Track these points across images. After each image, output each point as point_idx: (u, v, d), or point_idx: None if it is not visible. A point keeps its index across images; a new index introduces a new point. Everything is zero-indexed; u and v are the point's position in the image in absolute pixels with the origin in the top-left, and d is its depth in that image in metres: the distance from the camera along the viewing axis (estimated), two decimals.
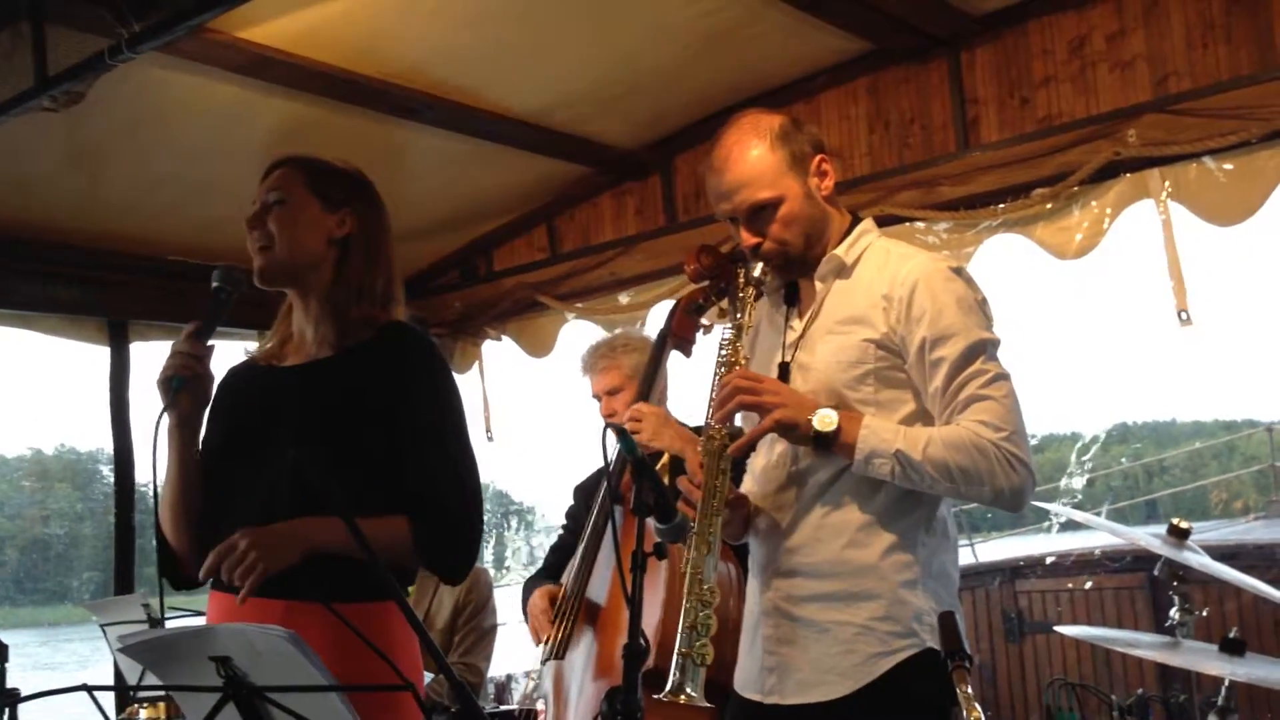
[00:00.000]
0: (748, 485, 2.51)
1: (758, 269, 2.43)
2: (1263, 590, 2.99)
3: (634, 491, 2.13)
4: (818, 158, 2.41)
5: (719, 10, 3.93)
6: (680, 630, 2.22)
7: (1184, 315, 3.87)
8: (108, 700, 3.67)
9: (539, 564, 3.86)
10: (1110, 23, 3.98)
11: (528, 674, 3.68)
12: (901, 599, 2.27)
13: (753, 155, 2.37)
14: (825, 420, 2.25)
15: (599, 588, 3.28)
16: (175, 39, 3.10)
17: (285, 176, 2.41)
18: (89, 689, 1.72)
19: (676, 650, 2.20)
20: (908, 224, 4.29)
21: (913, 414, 2.32)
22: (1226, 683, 3.08)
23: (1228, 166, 3.76)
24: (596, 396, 3.64)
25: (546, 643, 3.32)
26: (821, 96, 4.60)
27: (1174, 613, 3.12)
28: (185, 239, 4.88)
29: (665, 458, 3.42)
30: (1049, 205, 4.06)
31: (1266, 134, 3.63)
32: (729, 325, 2.50)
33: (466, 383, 5.76)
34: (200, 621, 2.78)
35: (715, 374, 2.46)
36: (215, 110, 3.99)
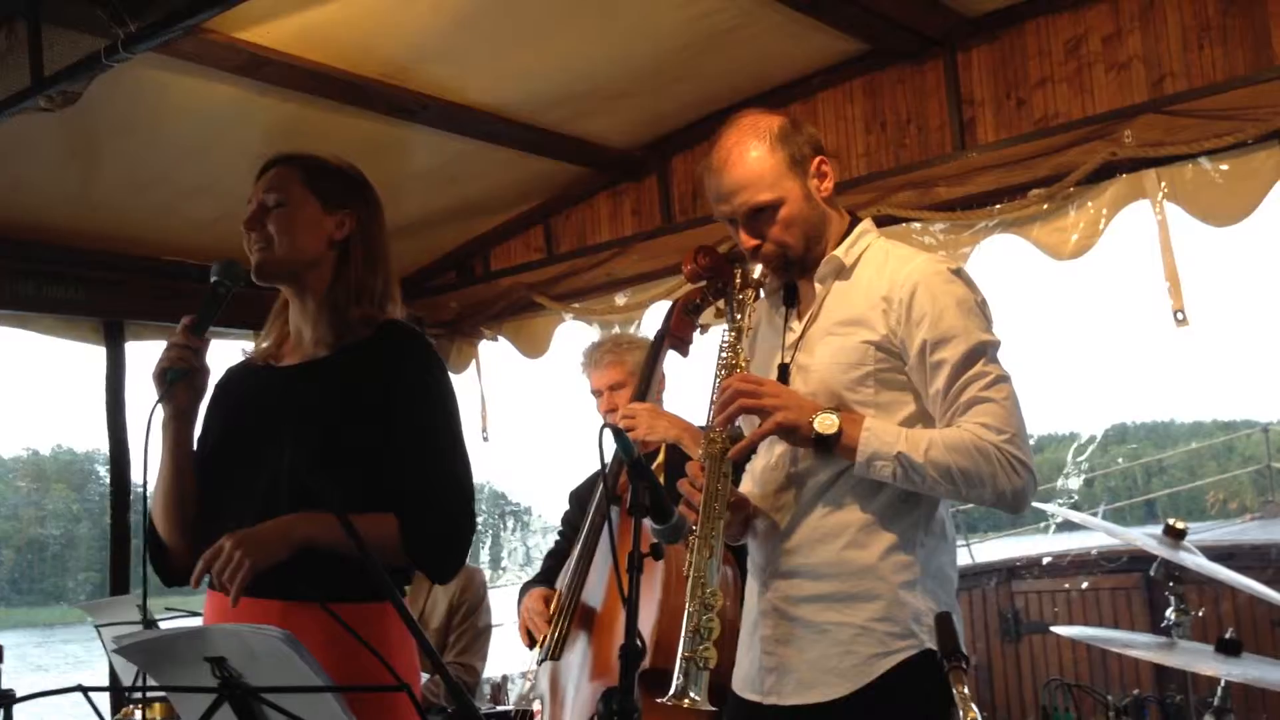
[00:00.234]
0: (746, 486, 2.51)
1: (757, 271, 2.42)
2: (1258, 591, 3.00)
3: (630, 492, 2.13)
4: (817, 159, 2.41)
5: (716, 11, 3.93)
6: (683, 633, 2.22)
7: (1180, 316, 3.87)
8: (103, 701, 3.67)
9: (535, 564, 3.86)
10: (1106, 24, 3.99)
11: (524, 674, 3.68)
12: (900, 600, 2.28)
13: (752, 157, 2.36)
14: (826, 422, 2.25)
15: (595, 588, 3.28)
16: (171, 39, 3.10)
17: (283, 176, 2.40)
18: (84, 690, 1.72)
19: (680, 653, 2.20)
20: (904, 224, 4.29)
21: (912, 416, 2.32)
22: (1222, 683, 3.09)
23: (1224, 167, 3.76)
24: (597, 392, 3.64)
25: (542, 643, 3.32)
26: (818, 97, 4.60)
27: (1170, 613, 3.12)
28: (181, 239, 4.88)
29: (661, 457, 3.42)
30: (1045, 206, 4.06)
31: (1262, 135, 3.63)
32: (729, 327, 2.50)
33: (463, 383, 5.76)
34: (196, 622, 2.78)
35: (716, 376, 2.46)
36: (211, 110, 3.99)
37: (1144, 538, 3.17)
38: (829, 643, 2.29)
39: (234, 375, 2.48)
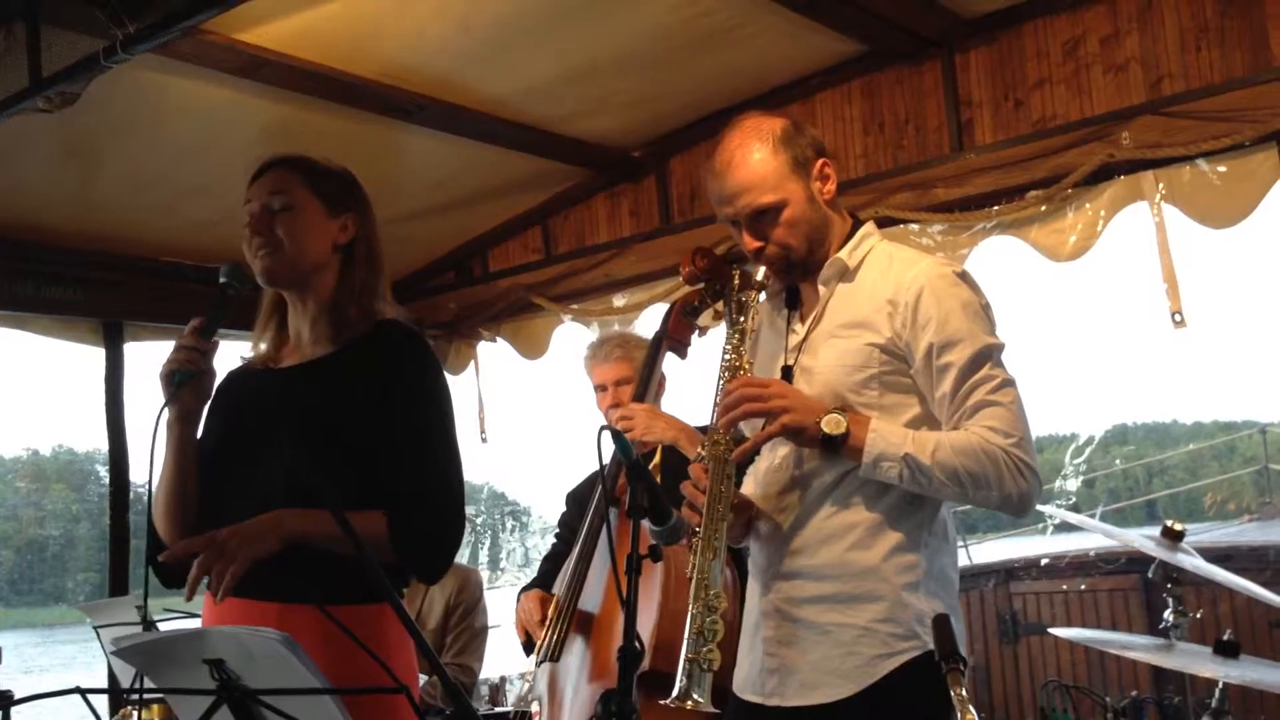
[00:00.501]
0: (749, 487, 2.51)
1: (760, 273, 2.42)
2: (1256, 593, 3.00)
3: (629, 494, 2.13)
4: (820, 161, 2.41)
5: (714, 11, 3.94)
6: (686, 635, 2.21)
7: (1178, 317, 3.87)
8: (102, 703, 3.67)
9: (533, 565, 3.86)
10: (1104, 25, 3.99)
11: (522, 676, 3.68)
12: (903, 601, 2.28)
13: (755, 159, 2.36)
14: (834, 423, 2.25)
15: (594, 590, 3.28)
16: (169, 40, 3.10)
17: (285, 180, 2.40)
18: (83, 692, 1.72)
19: (683, 655, 2.20)
20: (902, 226, 4.29)
21: (917, 418, 2.33)
22: (1220, 685, 3.09)
23: (1221, 169, 3.76)
24: (601, 387, 3.63)
25: (541, 645, 3.32)
26: (817, 98, 4.60)
27: (1168, 615, 3.12)
28: (180, 240, 4.88)
29: (657, 458, 3.42)
30: (1043, 207, 4.06)
31: (1260, 136, 3.63)
32: (732, 329, 2.50)
33: (461, 384, 5.76)
34: (194, 624, 2.78)
35: (719, 378, 2.46)
36: (210, 111, 3.99)
37: (1142, 539, 3.17)
38: (832, 644, 2.30)
39: (234, 379, 2.48)
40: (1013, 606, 5.45)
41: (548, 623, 3.33)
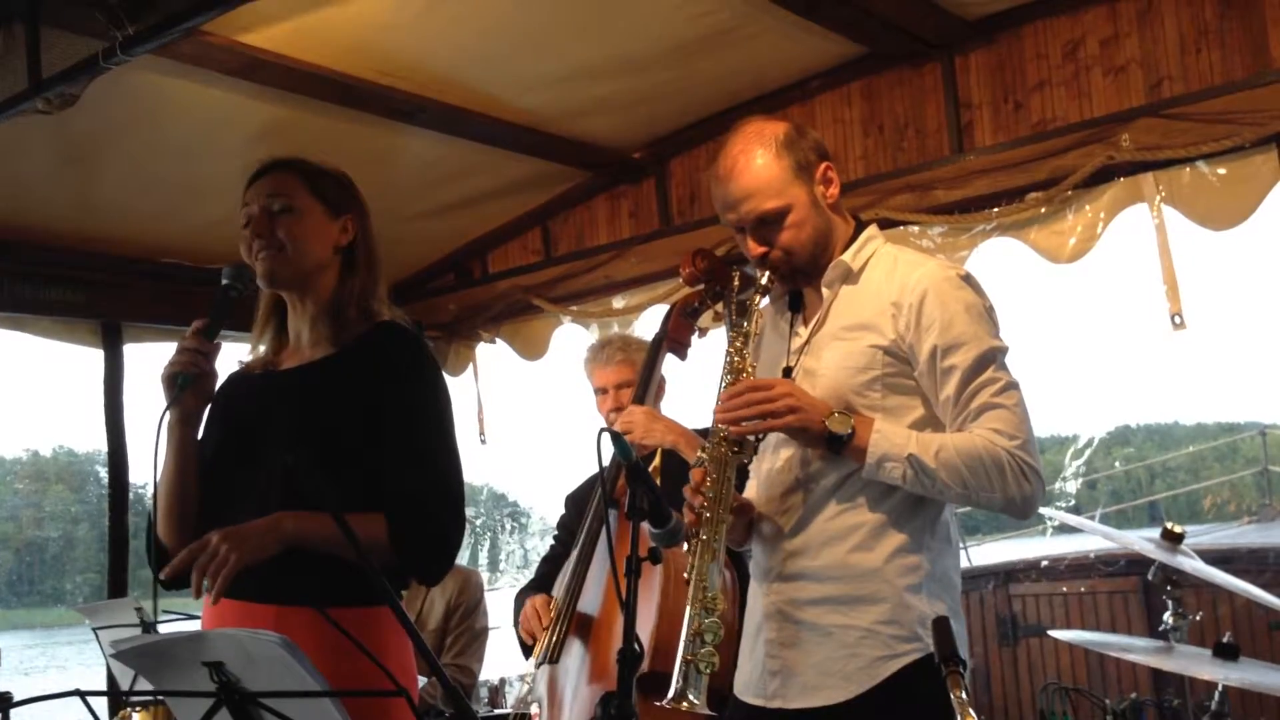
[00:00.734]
0: (751, 490, 2.51)
1: (764, 278, 2.42)
2: (1256, 595, 3.00)
3: (629, 496, 2.13)
4: (823, 165, 2.41)
5: (713, 12, 3.93)
6: (684, 637, 2.21)
7: (1177, 319, 3.87)
8: (101, 705, 3.66)
9: (533, 566, 3.85)
10: (1104, 27, 3.99)
11: (522, 678, 3.68)
12: (906, 603, 2.28)
13: (758, 164, 2.36)
14: (840, 422, 2.25)
15: (593, 592, 3.28)
16: (169, 41, 3.10)
17: (286, 182, 2.40)
18: (82, 694, 1.72)
19: (680, 656, 2.20)
20: (902, 228, 4.29)
21: (920, 420, 2.33)
22: (1220, 687, 3.09)
23: (1221, 171, 3.76)
24: (602, 390, 3.62)
25: (540, 647, 3.32)
26: (816, 100, 4.60)
27: (1168, 617, 3.12)
28: (179, 241, 4.88)
29: (657, 460, 3.42)
30: (1043, 209, 4.06)
31: (1260, 138, 3.63)
32: (735, 332, 2.50)
33: (461, 385, 5.76)
34: (194, 626, 2.78)
35: (721, 381, 2.46)
36: (209, 112, 3.99)
37: (1141, 541, 3.17)
38: (834, 645, 2.30)
39: (233, 381, 2.48)
40: (1012, 608, 5.45)
41: (547, 624, 3.33)
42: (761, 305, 2.54)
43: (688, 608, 2.23)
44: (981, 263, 4.24)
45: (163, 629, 3.01)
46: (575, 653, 3.25)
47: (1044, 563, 5.47)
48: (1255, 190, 3.72)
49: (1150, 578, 3.22)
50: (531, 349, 5.64)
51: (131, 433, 4.86)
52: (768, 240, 2.38)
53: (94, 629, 3.57)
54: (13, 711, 2.55)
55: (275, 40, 3.64)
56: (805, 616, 2.33)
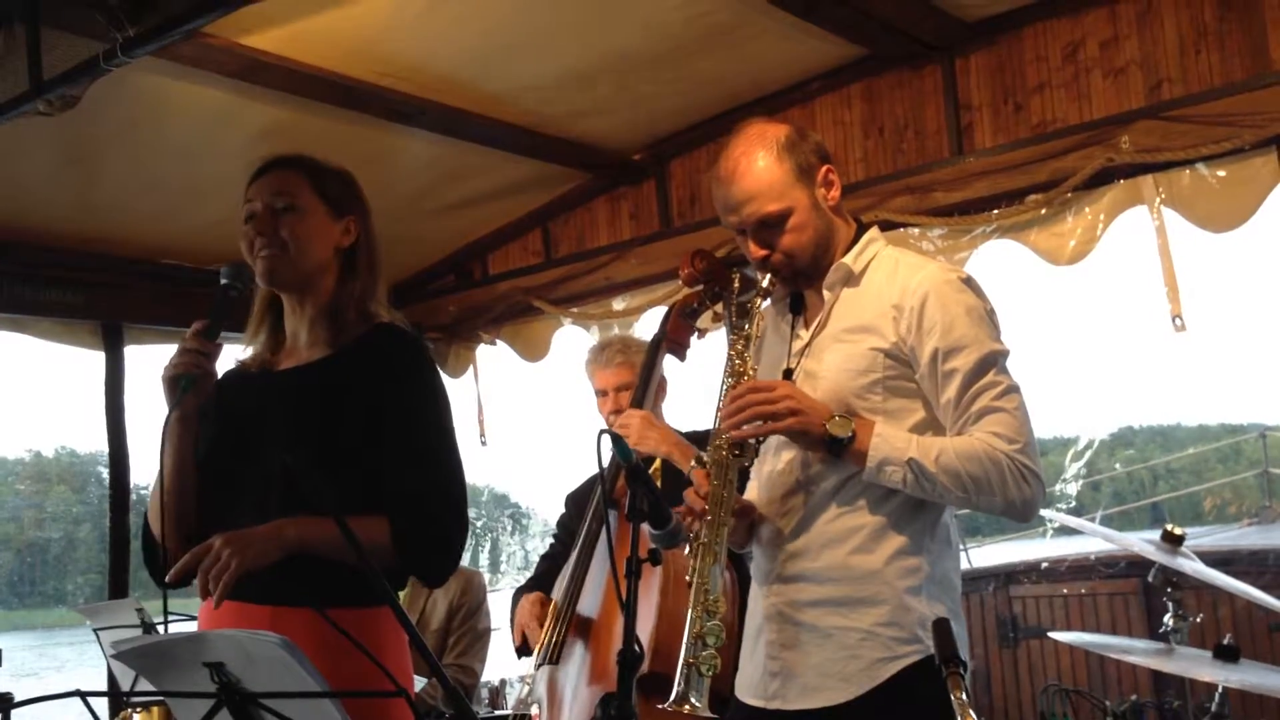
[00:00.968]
0: (752, 491, 2.51)
1: (765, 280, 2.42)
2: (1256, 596, 3.00)
3: (629, 497, 2.14)
4: (824, 168, 2.41)
5: (713, 13, 3.94)
6: (685, 640, 2.22)
7: (1178, 321, 3.88)
8: (101, 706, 3.67)
9: (533, 567, 3.86)
10: (1104, 29, 3.99)
11: (522, 679, 3.68)
12: (906, 605, 2.28)
13: (760, 167, 2.36)
14: (840, 425, 2.26)
15: (593, 593, 3.28)
16: (170, 43, 3.10)
17: (289, 181, 2.39)
18: (82, 695, 1.72)
19: (682, 659, 2.20)
20: (902, 230, 4.29)
21: (921, 423, 2.33)
22: (1220, 689, 3.09)
23: (1221, 173, 3.76)
24: (602, 392, 3.62)
25: (540, 648, 3.32)
26: (816, 102, 4.61)
27: (1168, 619, 3.11)
28: (180, 242, 4.88)
29: (658, 462, 3.42)
30: (1043, 211, 4.07)
31: (1259, 141, 3.63)
32: (736, 334, 2.50)
33: (461, 387, 5.76)
34: (194, 627, 2.78)
35: (723, 383, 2.46)
36: (210, 114, 3.99)
37: (1141, 543, 3.17)
38: (834, 647, 2.30)
39: (230, 381, 2.47)
40: (1013, 610, 5.45)
41: (547, 625, 3.33)
42: (762, 307, 2.55)
43: (689, 610, 2.24)
44: (982, 265, 4.24)
45: (173, 628, 3.01)
46: (575, 654, 3.25)
47: (1044, 564, 5.48)
48: (1255, 192, 3.72)
49: (1151, 579, 3.21)
50: (532, 350, 5.64)
51: (133, 434, 4.87)
52: (769, 243, 2.38)
53: (95, 630, 3.57)
54: (13, 712, 2.55)
55: (276, 42, 3.64)
56: (805, 618, 2.33)
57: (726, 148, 2.42)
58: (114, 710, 3.32)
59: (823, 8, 3.92)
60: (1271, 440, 12.30)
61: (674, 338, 3.20)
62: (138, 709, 3.02)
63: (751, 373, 2.45)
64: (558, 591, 3.41)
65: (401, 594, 3.03)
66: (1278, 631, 4.62)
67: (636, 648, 1.96)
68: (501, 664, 5.43)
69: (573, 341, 5.49)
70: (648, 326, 5.11)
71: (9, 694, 2.57)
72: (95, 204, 4.50)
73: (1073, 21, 4.06)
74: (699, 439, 3.02)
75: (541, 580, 3.61)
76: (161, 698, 2.57)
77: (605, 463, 2.14)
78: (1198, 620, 3.43)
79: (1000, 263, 4.33)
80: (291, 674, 1.52)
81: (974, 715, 1.72)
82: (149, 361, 5.02)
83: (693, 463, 2.42)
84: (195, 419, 2.36)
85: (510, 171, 4.94)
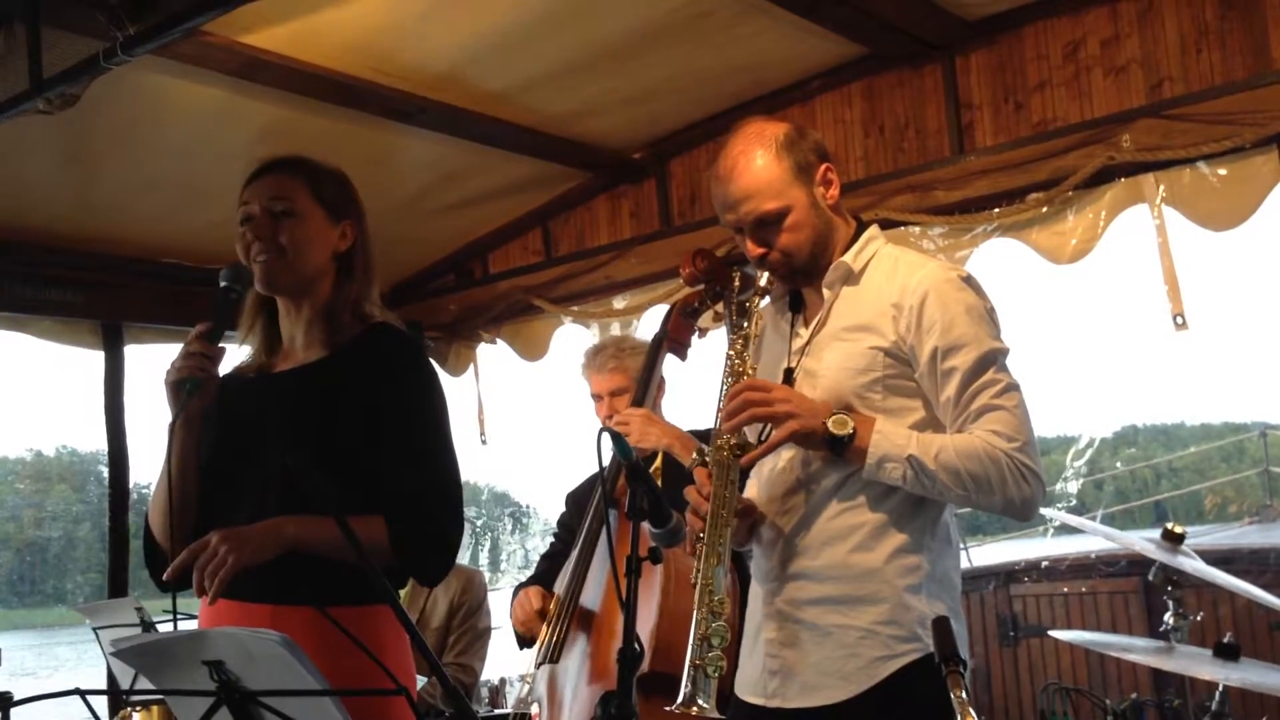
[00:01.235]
0: (752, 489, 2.51)
1: (763, 279, 2.42)
2: (1257, 595, 3.00)
3: (629, 495, 2.13)
4: (823, 167, 2.41)
5: (713, 12, 3.94)
6: (691, 641, 2.21)
7: (1179, 320, 3.88)
8: (101, 705, 3.67)
9: (534, 566, 3.86)
10: (1105, 28, 3.99)
11: (522, 677, 3.68)
12: (905, 603, 2.28)
13: (758, 165, 2.36)
14: (840, 423, 2.25)
15: (594, 592, 3.28)
16: (170, 42, 3.10)
17: (287, 185, 2.39)
18: (82, 694, 1.72)
19: (688, 661, 2.20)
20: (902, 229, 4.29)
21: (920, 422, 2.33)
22: (1220, 688, 3.09)
23: (1222, 172, 3.76)
24: (597, 396, 3.63)
25: (540, 646, 3.32)
26: (817, 100, 4.60)
27: (1168, 617, 3.11)
28: (180, 241, 4.88)
29: (658, 461, 3.42)
30: (1044, 210, 4.07)
31: (1260, 139, 3.63)
32: (735, 334, 2.50)
33: (461, 386, 5.77)
34: (193, 625, 2.78)
35: (723, 383, 2.46)
36: (210, 113, 3.99)
37: (1142, 542, 3.16)
38: (833, 645, 2.30)
39: (228, 384, 2.47)
40: (1013, 609, 5.45)
41: (547, 624, 3.33)
42: (761, 306, 2.54)
43: (695, 612, 2.24)
44: (982, 263, 4.24)
45: (163, 629, 3.01)
46: (575, 652, 3.25)
47: (1044, 563, 5.47)
48: (1256, 191, 3.72)
49: (1151, 578, 3.21)
50: (532, 349, 5.64)
51: (132, 433, 4.87)
52: (766, 241, 2.38)
53: (94, 629, 3.57)
54: (13, 711, 2.55)
55: (276, 41, 3.64)
56: (805, 616, 2.33)
57: (725, 146, 2.42)
58: (113, 709, 3.32)
59: (823, 6, 3.92)
60: (1273, 439, 12.30)
61: (675, 337, 3.20)
62: (137, 708, 3.02)
63: (750, 372, 2.45)
64: (558, 590, 3.41)
65: (401, 592, 3.03)
66: (1278, 630, 4.62)
67: (636, 646, 1.96)
68: (501, 663, 5.44)
69: (573, 340, 5.50)
70: (648, 325, 5.11)
71: (8, 693, 2.57)
72: (95, 203, 4.50)
73: (1073, 20, 4.05)
74: (699, 437, 3.02)
75: (542, 579, 3.61)
76: (161, 696, 2.57)
77: (605, 461, 2.14)
78: (1198, 619, 3.43)
79: (1001, 261, 4.34)
80: (291, 672, 1.52)
81: (974, 714, 1.72)
82: (149, 361, 5.02)
83: (694, 456, 2.41)
84: (199, 423, 2.36)
85: (510, 170, 4.94)
